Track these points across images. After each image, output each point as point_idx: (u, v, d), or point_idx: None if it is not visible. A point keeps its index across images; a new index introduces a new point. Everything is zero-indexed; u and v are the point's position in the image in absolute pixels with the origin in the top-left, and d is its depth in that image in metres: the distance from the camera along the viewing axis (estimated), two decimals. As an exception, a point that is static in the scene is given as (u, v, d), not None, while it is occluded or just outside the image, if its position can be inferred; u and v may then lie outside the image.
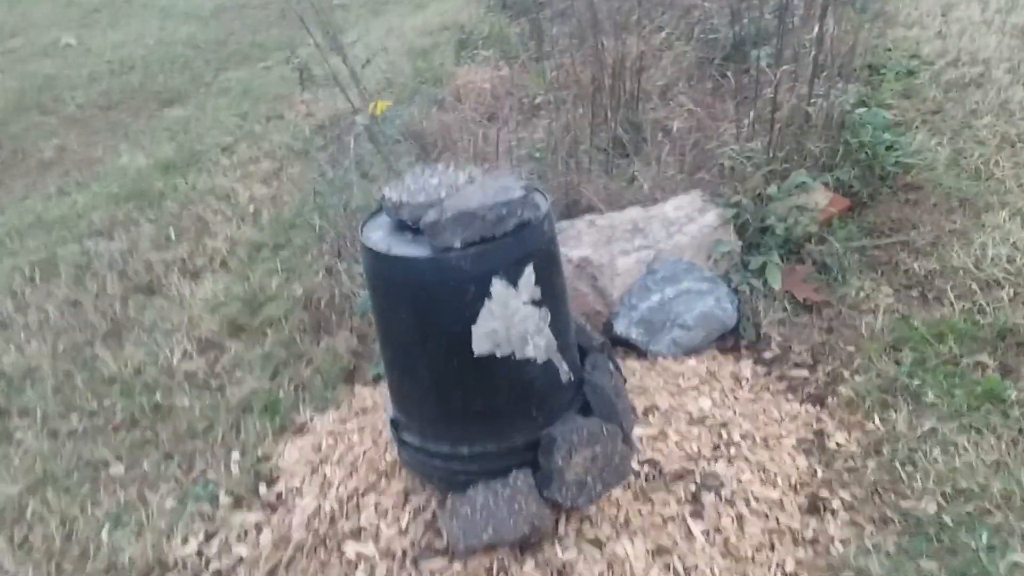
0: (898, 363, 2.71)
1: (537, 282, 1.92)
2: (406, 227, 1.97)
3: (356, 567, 2.13)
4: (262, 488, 2.59)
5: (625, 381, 2.50)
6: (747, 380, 2.73)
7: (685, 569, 2.01)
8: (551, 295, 1.98)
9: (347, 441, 2.61)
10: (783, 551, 2.07)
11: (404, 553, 2.13)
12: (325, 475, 2.48)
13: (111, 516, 2.57)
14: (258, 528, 2.41)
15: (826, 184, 3.49)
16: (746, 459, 2.32)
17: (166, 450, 2.85)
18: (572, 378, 2.12)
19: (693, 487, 2.21)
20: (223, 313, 3.56)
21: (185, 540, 2.44)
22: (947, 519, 2.13)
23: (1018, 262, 3.07)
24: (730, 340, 2.97)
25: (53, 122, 6.93)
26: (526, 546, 2.07)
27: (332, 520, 2.29)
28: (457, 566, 2.06)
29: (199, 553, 2.39)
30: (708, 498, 2.18)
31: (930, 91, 4.61)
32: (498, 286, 1.86)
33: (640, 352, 2.90)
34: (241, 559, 2.32)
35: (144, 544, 2.42)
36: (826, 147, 3.58)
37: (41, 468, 2.83)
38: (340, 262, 3.65)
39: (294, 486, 2.52)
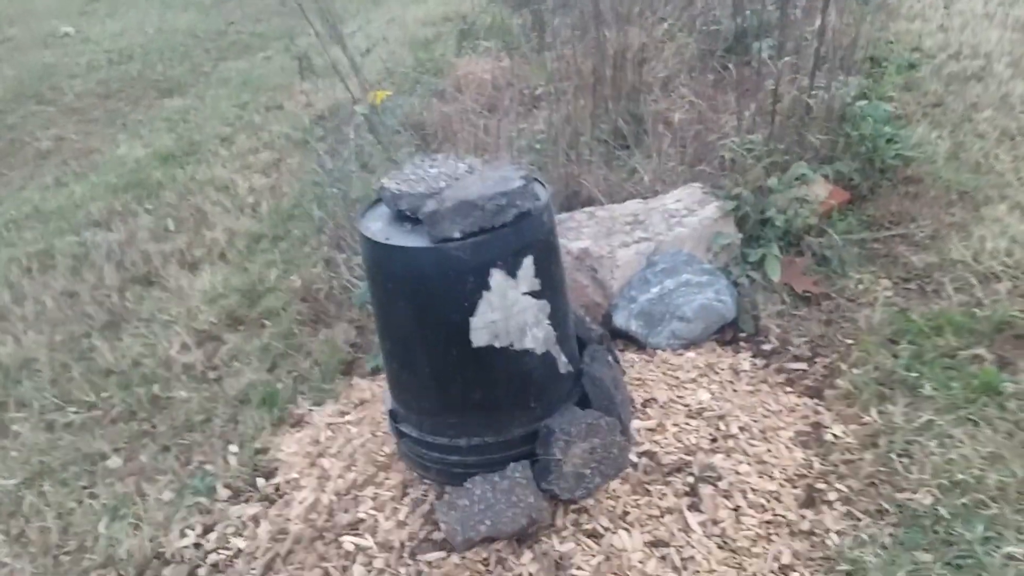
0: (896, 356, 2.71)
1: (536, 273, 1.92)
2: (405, 217, 1.96)
3: (354, 560, 2.13)
4: (260, 481, 2.59)
5: (624, 373, 2.50)
6: (745, 373, 2.73)
7: (682, 561, 2.02)
8: (550, 286, 1.97)
9: (345, 433, 2.61)
10: (780, 543, 2.08)
11: (402, 545, 2.13)
12: (323, 467, 2.48)
13: (108, 509, 2.57)
14: (256, 521, 2.41)
15: (826, 177, 3.49)
16: (744, 451, 2.32)
17: (164, 442, 2.85)
18: (571, 370, 2.12)
19: (691, 479, 2.21)
20: (221, 305, 3.56)
21: (183, 533, 2.44)
22: (943, 511, 2.13)
23: (1016, 255, 3.07)
24: (729, 332, 2.96)
25: (51, 112, 6.91)
26: (524, 538, 2.07)
27: (330, 513, 2.29)
28: (455, 558, 2.06)
29: (197, 546, 2.39)
30: (706, 490, 2.18)
31: (931, 84, 4.61)
32: (497, 277, 1.86)
33: (639, 344, 2.89)
34: (239, 552, 2.33)
35: (142, 537, 2.42)
36: (827, 139, 3.58)
37: (38, 461, 2.83)
38: (339, 253, 3.65)
39: (292, 478, 2.52)
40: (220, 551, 2.35)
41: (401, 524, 2.19)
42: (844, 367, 2.71)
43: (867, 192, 3.61)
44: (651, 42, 4.53)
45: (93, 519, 2.54)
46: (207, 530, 2.44)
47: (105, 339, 3.46)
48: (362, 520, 2.23)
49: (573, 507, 2.13)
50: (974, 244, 3.17)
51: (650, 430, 2.38)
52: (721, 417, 2.44)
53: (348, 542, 2.18)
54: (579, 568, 1.99)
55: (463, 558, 2.05)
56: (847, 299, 3.04)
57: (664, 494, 2.18)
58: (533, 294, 1.93)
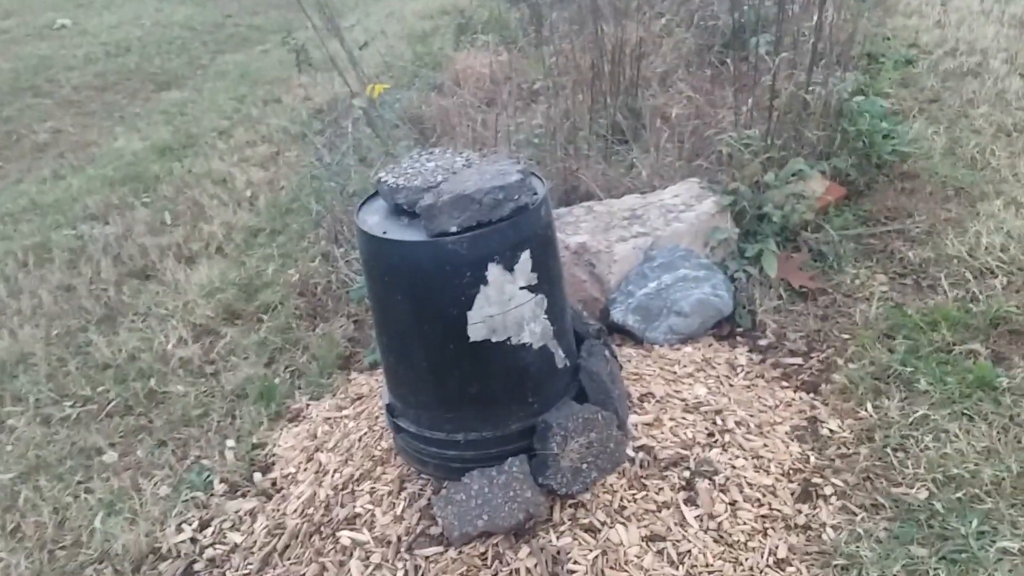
0: (891, 351, 2.72)
1: (533, 268, 1.91)
2: (403, 211, 1.96)
3: (351, 554, 2.13)
4: (257, 475, 2.59)
5: (621, 368, 2.51)
6: (742, 367, 2.74)
7: (679, 555, 2.02)
8: (547, 281, 1.97)
9: (342, 428, 2.61)
10: (776, 537, 2.08)
11: (399, 540, 2.13)
12: (320, 462, 2.48)
13: (104, 503, 2.57)
14: (253, 515, 2.41)
15: (823, 172, 3.49)
16: (740, 446, 2.33)
17: (160, 437, 2.85)
18: (568, 364, 2.12)
19: (687, 474, 2.22)
20: (218, 299, 3.56)
21: (179, 528, 2.44)
22: (938, 505, 2.13)
23: (1012, 251, 3.07)
24: (726, 327, 2.97)
25: (48, 105, 6.90)
26: (521, 533, 2.08)
27: (327, 507, 2.29)
28: (452, 553, 2.06)
29: (193, 541, 2.39)
30: (702, 485, 2.18)
31: (928, 80, 4.61)
32: (494, 271, 1.86)
33: (636, 339, 2.90)
34: (236, 546, 2.33)
35: (137, 532, 2.42)
36: (824, 135, 3.58)
37: (34, 455, 2.83)
38: (337, 247, 3.64)
39: (289, 473, 2.52)
40: (216, 546, 2.35)
41: (398, 519, 2.19)
42: (840, 362, 2.72)
43: (864, 188, 3.62)
44: (649, 37, 4.53)
45: (89, 514, 2.54)
46: (203, 525, 2.44)
47: (101, 333, 3.46)
48: (359, 515, 2.23)
49: (570, 502, 2.13)
50: (970, 240, 3.18)
51: (647, 425, 2.38)
52: (718, 412, 2.44)
53: (345, 537, 2.18)
54: (576, 563, 2.00)
55: (460, 553, 2.05)
56: (843, 294, 3.05)
57: (661, 488, 2.18)
58: (530, 288, 1.93)
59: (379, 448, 2.43)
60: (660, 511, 2.12)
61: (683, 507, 2.13)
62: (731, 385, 2.62)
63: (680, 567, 1.99)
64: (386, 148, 3.67)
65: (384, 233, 1.91)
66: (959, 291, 2.95)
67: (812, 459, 2.34)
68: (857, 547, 2.05)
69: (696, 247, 3.08)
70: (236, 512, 2.44)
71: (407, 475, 2.30)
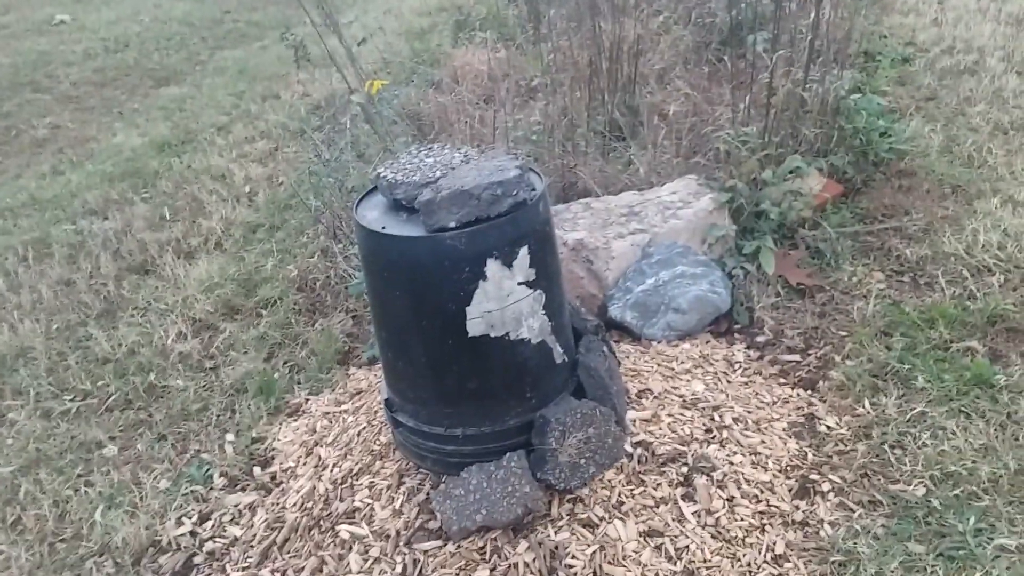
0: (889, 348, 2.73)
1: (532, 263, 1.92)
2: (401, 207, 1.97)
3: (350, 548, 2.14)
4: (256, 469, 2.60)
5: (619, 364, 2.51)
6: (740, 364, 2.75)
7: (676, 551, 2.03)
8: (546, 276, 1.98)
9: (341, 422, 2.62)
10: (773, 533, 2.09)
11: (398, 534, 2.14)
12: (319, 456, 2.49)
13: (104, 497, 2.58)
14: (252, 509, 2.42)
15: (820, 169, 3.50)
16: (738, 442, 2.34)
17: (160, 431, 2.85)
18: (566, 360, 2.13)
19: (685, 470, 2.23)
20: (218, 294, 3.56)
21: (179, 521, 2.45)
22: (935, 502, 2.14)
23: (1009, 248, 3.08)
24: (723, 324, 2.98)
25: (47, 100, 6.89)
26: (519, 528, 2.08)
27: (326, 501, 2.30)
28: (450, 547, 2.07)
29: (193, 534, 2.40)
30: (700, 481, 2.19)
31: (924, 78, 4.62)
32: (493, 267, 1.86)
33: (634, 335, 2.91)
34: (235, 540, 2.34)
35: (138, 525, 2.43)
36: (821, 133, 3.59)
37: (34, 449, 2.84)
38: (335, 243, 3.65)
39: (288, 467, 2.53)
40: (216, 539, 2.36)
41: (397, 513, 2.20)
42: (837, 359, 2.73)
43: (861, 185, 3.63)
44: (647, 34, 4.53)
45: (89, 507, 2.54)
46: (203, 518, 2.45)
47: (101, 328, 3.46)
48: (358, 509, 2.24)
49: (568, 497, 2.14)
50: (967, 237, 3.19)
51: (645, 421, 2.39)
52: (715, 408, 2.45)
53: (344, 531, 2.19)
54: (574, 558, 2.01)
55: (458, 547, 2.06)
56: (841, 291, 3.06)
57: (659, 484, 2.19)
58: (529, 284, 1.94)
59: (378, 443, 2.44)
60: (658, 507, 2.13)
61: (681, 503, 2.14)
62: (729, 382, 2.63)
63: (678, 563, 2.00)
64: (384, 144, 3.67)
65: (383, 228, 1.91)
66: (956, 289, 2.96)
67: (810, 456, 2.35)
68: (854, 544, 2.06)
69: (694, 244, 3.09)
70: (236, 506, 2.45)
71: (406, 470, 2.31)
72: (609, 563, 1.99)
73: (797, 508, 2.17)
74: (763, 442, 2.36)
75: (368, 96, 3.61)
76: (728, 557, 2.03)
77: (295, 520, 2.28)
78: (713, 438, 2.34)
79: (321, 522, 2.25)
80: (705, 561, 2.01)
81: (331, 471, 2.40)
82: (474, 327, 1.90)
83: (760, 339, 2.90)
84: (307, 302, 3.44)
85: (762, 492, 2.20)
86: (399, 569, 2.05)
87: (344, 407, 2.72)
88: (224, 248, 4.01)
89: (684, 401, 2.48)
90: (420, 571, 2.04)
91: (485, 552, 2.05)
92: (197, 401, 2.96)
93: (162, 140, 5.53)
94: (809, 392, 2.62)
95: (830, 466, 2.31)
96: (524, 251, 1.90)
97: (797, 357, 2.79)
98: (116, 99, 6.82)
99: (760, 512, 2.15)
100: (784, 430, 2.43)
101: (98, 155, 5.53)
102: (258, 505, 2.42)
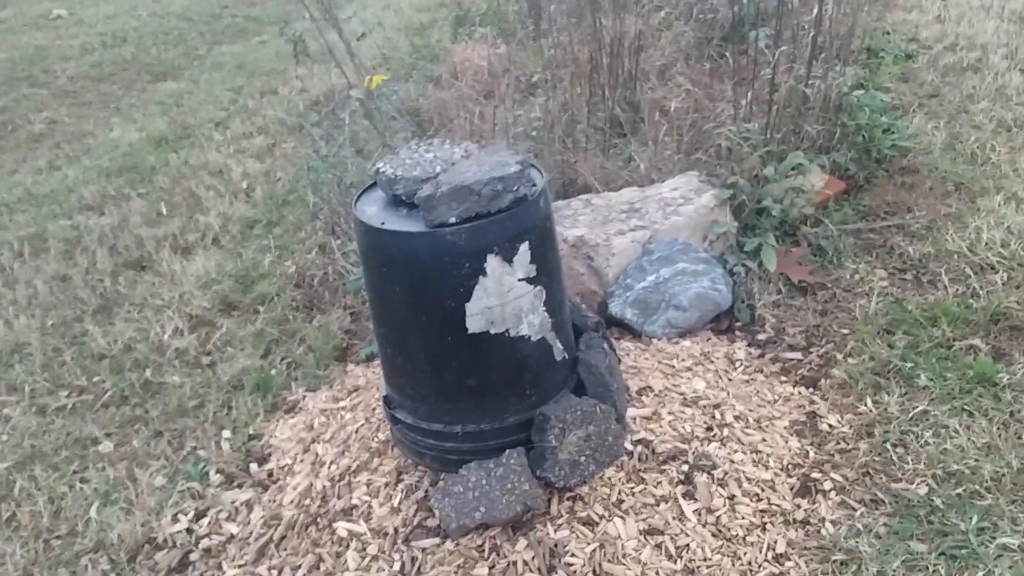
0: (891, 346, 2.71)
1: (532, 259, 1.90)
2: (401, 202, 1.95)
3: (348, 546, 2.13)
4: (253, 466, 2.58)
5: (619, 361, 2.50)
6: (741, 362, 2.73)
7: (677, 549, 2.01)
8: (546, 273, 1.96)
9: (339, 419, 2.60)
10: (774, 532, 2.08)
11: (396, 532, 2.13)
12: (317, 453, 2.47)
13: (100, 493, 2.56)
14: (249, 506, 2.40)
15: (822, 166, 3.48)
16: (739, 440, 2.32)
17: (156, 427, 2.83)
18: (566, 357, 2.11)
19: (686, 468, 2.21)
20: (215, 290, 3.54)
21: (175, 518, 2.43)
22: (938, 501, 2.13)
23: (1012, 246, 3.07)
24: (724, 321, 2.96)
25: (44, 95, 6.86)
26: (518, 525, 2.07)
27: (323, 498, 2.28)
28: (449, 545, 2.05)
29: (189, 531, 2.38)
30: (701, 479, 2.18)
31: (928, 75, 4.61)
32: (493, 263, 1.85)
33: (635, 333, 2.89)
34: (232, 537, 2.32)
35: (133, 522, 2.41)
36: (823, 129, 3.57)
37: (29, 445, 2.82)
38: (334, 239, 3.63)
39: (286, 464, 2.51)
40: (212, 536, 2.34)
41: (395, 510, 2.18)
42: (839, 357, 2.71)
43: (863, 182, 3.61)
44: (648, 30, 4.51)
45: (84, 503, 2.52)
46: (199, 515, 2.43)
47: (97, 323, 3.44)
48: (356, 506, 2.22)
49: (568, 495, 2.13)
50: (970, 235, 3.17)
51: (645, 418, 2.37)
52: (716, 406, 2.43)
53: (342, 528, 2.17)
54: (573, 556, 1.99)
55: (457, 545, 2.04)
56: (843, 289, 3.04)
57: (659, 482, 2.17)
58: (529, 280, 1.92)
59: (376, 440, 2.42)
60: (658, 505, 2.12)
61: (681, 501, 2.13)
62: (730, 379, 2.62)
63: (678, 561, 1.99)
64: (383, 140, 3.65)
65: (382, 224, 1.89)
66: (959, 286, 2.94)
67: (811, 454, 2.33)
68: (856, 542, 2.04)
69: (695, 241, 3.07)
70: (232, 503, 2.43)
71: (404, 467, 2.29)
72: (609, 561, 1.98)
73: (798, 507, 2.16)
74: (764, 440, 2.34)
75: (367, 92, 3.59)
76: (729, 556, 2.01)
77: (292, 517, 2.26)
78: (714, 436, 2.32)
79: (318, 519, 2.23)
80: (705, 560, 2.00)
81: (328, 468, 2.38)
82: (474, 323, 1.89)
83: (761, 337, 2.88)
84: (305, 298, 3.42)
85: (763, 490, 2.18)
86: (397, 567, 2.04)
87: (342, 404, 2.70)
88: (221, 244, 3.99)
89: (685, 399, 2.47)
90: (418, 569, 2.03)
91: (484, 550, 2.03)
92: (193, 398, 2.94)
93: (159, 135, 5.51)
94: (811, 390, 2.61)
95: (832, 464, 2.30)
96: (525, 247, 1.88)
97: (799, 355, 2.77)
98: (113, 94, 6.80)
99: (761, 510, 2.13)
100: (785, 428, 2.42)
101: (95, 150, 5.51)
102: (255, 502, 2.40)
